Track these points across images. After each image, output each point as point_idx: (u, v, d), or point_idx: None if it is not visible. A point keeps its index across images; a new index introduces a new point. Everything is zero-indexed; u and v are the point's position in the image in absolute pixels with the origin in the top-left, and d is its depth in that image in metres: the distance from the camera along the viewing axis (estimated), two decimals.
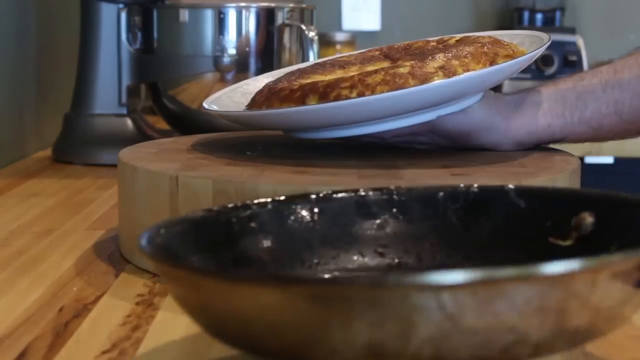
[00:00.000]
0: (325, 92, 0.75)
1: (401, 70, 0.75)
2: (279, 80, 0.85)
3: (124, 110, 1.29)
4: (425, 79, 0.75)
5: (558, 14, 2.38)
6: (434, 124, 0.81)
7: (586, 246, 0.53)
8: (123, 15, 1.27)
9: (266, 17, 1.27)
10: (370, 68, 0.82)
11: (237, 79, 1.19)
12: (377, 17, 2.47)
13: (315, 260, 0.58)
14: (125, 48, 1.28)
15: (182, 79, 1.28)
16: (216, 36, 1.25)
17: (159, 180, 0.72)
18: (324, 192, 0.60)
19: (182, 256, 0.51)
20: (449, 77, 0.75)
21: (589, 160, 1.92)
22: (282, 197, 0.59)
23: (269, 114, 0.78)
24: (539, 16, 2.37)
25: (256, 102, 0.81)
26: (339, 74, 0.83)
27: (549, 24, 2.36)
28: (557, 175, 0.73)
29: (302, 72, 0.85)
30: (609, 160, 1.96)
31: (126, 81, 1.29)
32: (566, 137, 0.84)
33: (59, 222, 0.92)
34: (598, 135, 0.84)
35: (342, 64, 0.86)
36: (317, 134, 0.82)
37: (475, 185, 0.60)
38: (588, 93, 0.82)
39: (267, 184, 0.67)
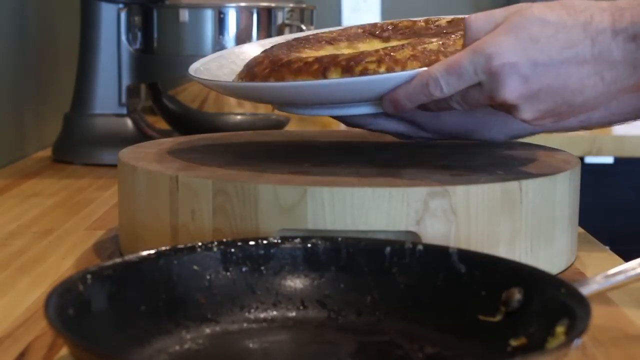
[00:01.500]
0: (349, 66, 0.72)
1: (431, 46, 0.73)
2: (271, 51, 0.80)
3: (124, 110, 1.29)
4: None
5: None
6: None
7: (512, 323, 0.54)
8: (123, 15, 1.27)
9: (266, 17, 1.27)
10: (361, 45, 0.81)
11: None
12: (377, 17, 2.47)
13: (255, 307, 0.59)
14: (125, 48, 1.28)
15: (182, 79, 1.28)
16: (216, 36, 1.25)
17: (159, 180, 0.72)
18: (274, 239, 0.60)
19: (94, 308, 0.52)
20: None
21: (589, 160, 1.92)
22: (229, 241, 0.60)
23: (294, 85, 0.72)
24: None
25: (257, 74, 0.75)
26: (329, 49, 0.80)
27: None
28: (557, 175, 0.73)
29: (290, 46, 0.81)
30: (609, 160, 1.95)
31: (126, 81, 1.29)
32: (557, 129, 0.84)
33: (59, 222, 0.92)
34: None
35: (329, 40, 0.83)
36: (330, 111, 0.77)
37: (421, 244, 0.60)
38: None
39: (267, 184, 0.67)
